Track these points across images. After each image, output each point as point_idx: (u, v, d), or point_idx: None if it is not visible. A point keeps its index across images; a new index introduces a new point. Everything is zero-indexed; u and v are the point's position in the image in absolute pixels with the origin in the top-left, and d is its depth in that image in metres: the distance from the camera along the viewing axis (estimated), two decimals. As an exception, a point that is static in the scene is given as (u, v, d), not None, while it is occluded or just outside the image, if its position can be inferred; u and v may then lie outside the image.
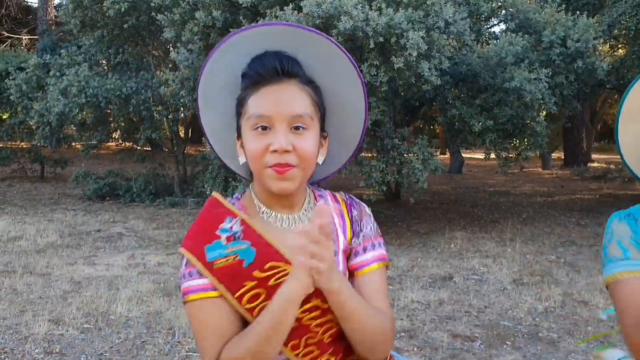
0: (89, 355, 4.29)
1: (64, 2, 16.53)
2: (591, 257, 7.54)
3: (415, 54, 6.61)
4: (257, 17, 7.71)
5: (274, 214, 1.47)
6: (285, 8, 6.86)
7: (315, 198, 1.55)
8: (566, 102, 9.51)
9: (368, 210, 1.57)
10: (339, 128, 1.53)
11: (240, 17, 7.74)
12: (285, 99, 1.36)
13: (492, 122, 8.23)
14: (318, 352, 1.41)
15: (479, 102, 8.39)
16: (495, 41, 8.36)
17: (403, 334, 4.84)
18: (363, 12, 6.60)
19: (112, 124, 11.94)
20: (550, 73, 8.02)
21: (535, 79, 7.92)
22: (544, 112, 18.81)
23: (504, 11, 9.55)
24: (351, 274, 1.49)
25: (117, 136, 13.07)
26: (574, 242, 8.47)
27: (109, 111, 11.09)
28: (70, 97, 9.83)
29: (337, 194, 1.58)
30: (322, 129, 1.48)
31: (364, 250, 1.50)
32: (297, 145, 1.35)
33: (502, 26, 10.54)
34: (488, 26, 10.75)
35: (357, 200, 1.59)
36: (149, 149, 12.81)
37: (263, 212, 1.47)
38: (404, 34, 6.62)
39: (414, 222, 9.79)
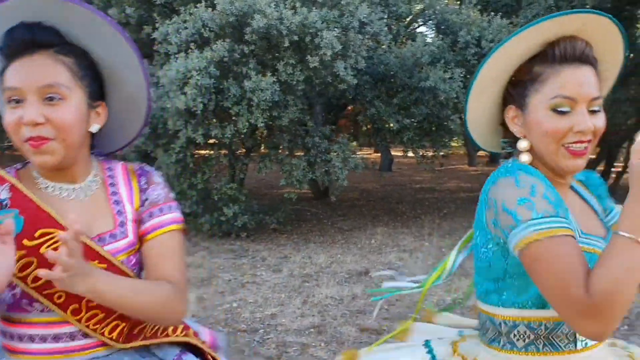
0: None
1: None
2: (504, 250, 7.78)
3: (329, 53, 6.68)
4: (172, 14, 7.62)
5: (52, 184, 1.44)
6: (198, 5, 6.81)
7: (104, 169, 1.53)
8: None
9: (158, 178, 1.55)
10: (122, 95, 1.51)
11: (155, 14, 7.63)
12: (34, 70, 1.33)
13: (409, 120, 8.40)
14: (103, 315, 1.38)
15: (397, 101, 8.56)
16: (411, 42, 8.53)
17: (312, 329, 4.89)
18: (277, 11, 6.62)
19: None
20: (465, 72, 8.23)
21: (450, 78, 8.13)
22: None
23: (422, 11, 9.74)
24: (142, 242, 1.47)
25: None
26: (491, 236, 8.72)
27: None
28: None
29: (129, 165, 1.56)
30: (96, 98, 1.45)
31: (150, 215, 1.48)
32: (50, 117, 1.32)
33: (423, 28, 10.81)
34: (412, 28, 10.97)
35: (150, 169, 1.58)
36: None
37: (40, 183, 1.44)
38: (319, 33, 6.68)
39: (339, 219, 9.87)
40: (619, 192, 12.92)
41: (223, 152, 8.31)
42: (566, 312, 1.20)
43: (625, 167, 13.50)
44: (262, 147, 8.57)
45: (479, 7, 9.97)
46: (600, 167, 13.65)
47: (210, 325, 4.98)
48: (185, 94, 6.49)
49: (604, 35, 1.39)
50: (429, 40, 8.55)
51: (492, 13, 9.45)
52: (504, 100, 1.48)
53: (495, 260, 1.39)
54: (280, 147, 7.72)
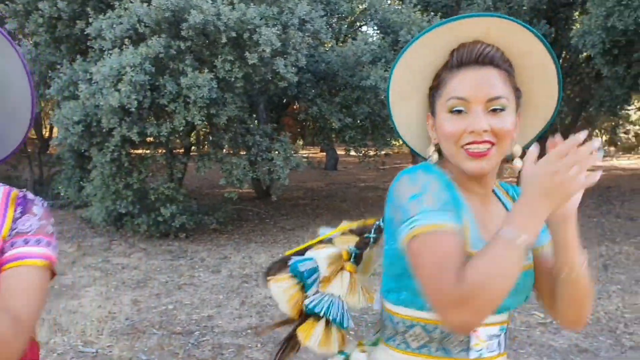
0: None
1: None
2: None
3: (268, 50, 6.59)
4: (107, 8, 7.39)
5: None
6: (133, 0, 6.62)
7: None
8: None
9: (38, 209, 1.41)
10: (6, 106, 1.44)
11: (89, 9, 7.38)
12: None
13: (351, 119, 8.39)
14: None
15: (339, 100, 8.54)
16: (353, 40, 8.53)
17: (249, 331, 4.81)
18: (214, 7, 6.49)
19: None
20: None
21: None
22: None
23: (365, 11, 9.75)
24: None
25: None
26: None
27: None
28: None
29: (13, 191, 1.43)
30: None
31: (12, 245, 1.34)
32: None
33: (366, 27, 10.81)
34: (355, 27, 10.96)
35: (32, 198, 1.44)
36: None
37: None
38: (257, 30, 6.59)
39: (282, 219, 9.80)
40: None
41: (161, 151, 8.12)
42: (436, 302, 1.18)
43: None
44: (206, 146, 8.43)
45: (419, 7, 10.05)
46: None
47: (144, 328, 4.84)
48: (119, 90, 6.29)
49: (513, 38, 1.33)
50: (370, 39, 8.54)
51: (432, 13, 9.54)
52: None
53: (396, 257, 1.35)
54: (220, 145, 7.59)
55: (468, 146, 1.29)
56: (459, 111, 1.30)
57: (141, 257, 7.10)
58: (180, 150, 8.48)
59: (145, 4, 6.71)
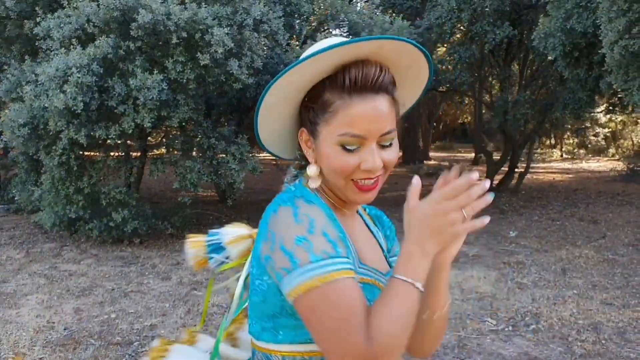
0: None
1: None
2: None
3: (220, 50, 6.43)
4: (58, 8, 7.16)
5: None
6: (77, -1, 6.42)
7: None
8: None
9: None
10: None
11: (38, 8, 7.15)
12: None
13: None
14: None
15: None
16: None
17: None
18: (164, 6, 6.31)
19: None
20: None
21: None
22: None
23: (324, 12, 9.63)
24: None
25: None
26: (392, 237, 8.71)
27: None
28: None
29: None
30: None
31: None
32: None
33: (338, 30, 10.68)
34: (324, 28, 10.84)
35: None
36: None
37: None
38: (209, 30, 6.42)
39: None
40: (521, 193, 13.30)
41: (116, 154, 7.91)
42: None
43: (527, 168, 13.93)
44: (168, 149, 8.23)
45: (380, 8, 9.97)
46: (504, 168, 14.01)
47: (81, 338, 4.65)
48: (64, 92, 6.07)
49: (401, 54, 1.26)
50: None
51: (394, 15, 9.46)
52: (300, 116, 1.35)
53: (271, 295, 1.25)
54: (176, 148, 7.40)
55: (359, 180, 1.24)
56: (353, 149, 1.22)
57: (91, 264, 6.88)
58: (137, 154, 8.27)
59: (94, 3, 6.51)
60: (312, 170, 1.30)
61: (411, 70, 1.31)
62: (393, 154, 1.25)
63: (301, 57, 1.23)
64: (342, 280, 1.11)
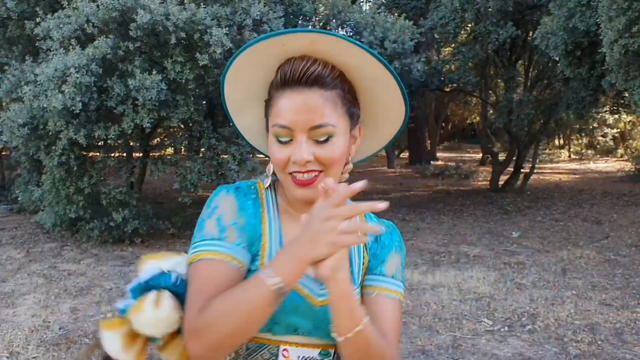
0: None
1: None
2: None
3: (219, 51, 6.43)
4: (59, 8, 7.20)
5: None
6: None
7: None
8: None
9: None
10: None
11: (39, 9, 7.19)
12: None
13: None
14: None
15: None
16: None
17: (185, 340, 4.64)
18: (163, 6, 6.33)
19: None
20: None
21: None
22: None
23: (326, 12, 9.62)
24: None
25: None
26: (393, 237, 8.69)
27: None
28: None
29: None
30: None
31: None
32: None
33: (342, 30, 10.65)
34: (329, 28, 10.82)
35: None
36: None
37: None
38: (208, 31, 6.43)
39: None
40: (526, 193, 13.24)
41: (117, 154, 7.94)
42: (184, 330, 1.18)
43: (533, 168, 13.87)
44: (175, 150, 8.27)
45: (382, 7, 9.95)
46: (510, 168, 13.95)
47: (76, 338, 4.67)
48: (62, 92, 6.10)
49: (340, 52, 1.23)
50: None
51: (397, 14, 9.44)
52: None
53: None
54: (173, 148, 7.42)
55: (295, 174, 1.24)
56: (284, 140, 1.24)
57: (90, 264, 6.90)
58: (139, 155, 8.29)
59: (93, 4, 6.53)
60: (269, 166, 1.35)
61: (363, 70, 1.27)
62: (329, 151, 1.23)
63: (230, 60, 1.30)
64: (206, 260, 1.21)
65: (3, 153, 11.29)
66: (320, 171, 1.24)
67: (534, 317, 5.22)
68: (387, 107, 1.35)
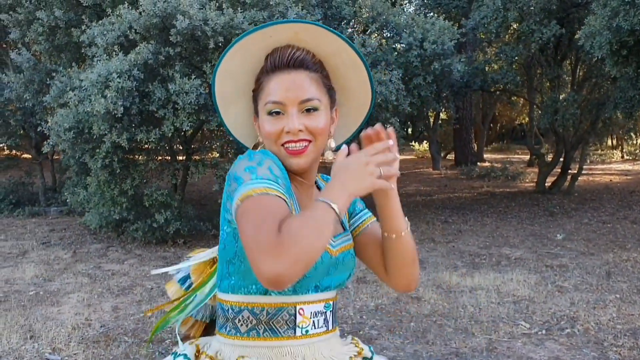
0: None
1: None
2: (444, 254, 7.69)
3: (257, 54, 6.51)
4: (102, 15, 7.43)
5: None
6: (119, 6, 6.64)
7: None
8: (425, 103, 9.69)
9: None
10: None
11: (84, 17, 7.43)
12: None
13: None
14: None
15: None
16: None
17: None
18: (202, 12, 6.46)
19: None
20: (402, 74, 8.12)
21: (390, 80, 8.01)
22: (433, 114, 19.30)
23: (366, 14, 9.62)
24: None
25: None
26: (434, 239, 8.63)
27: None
28: None
29: None
30: None
31: None
32: None
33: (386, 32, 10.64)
34: (371, 30, 10.83)
35: None
36: (15, 155, 12.19)
37: None
38: (246, 35, 6.52)
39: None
40: (573, 195, 12.94)
41: (160, 157, 8.13)
42: (254, 253, 1.21)
43: (580, 169, 13.54)
44: (222, 153, 8.44)
45: (423, 9, 9.90)
46: (557, 169, 13.66)
47: (116, 336, 4.80)
48: (105, 97, 6.29)
49: (320, 40, 1.45)
50: (370, 42, 8.40)
51: (436, 15, 9.37)
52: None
53: (229, 241, 1.45)
54: (212, 151, 7.56)
55: (287, 145, 1.42)
56: (277, 113, 1.42)
57: (133, 264, 7.09)
58: (182, 157, 8.47)
59: (136, 11, 6.72)
60: (261, 146, 1.52)
61: (339, 57, 1.48)
62: (317, 120, 1.43)
63: (222, 55, 1.48)
64: (273, 196, 1.28)
65: (54, 157, 11.68)
66: (310, 141, 1.42)
67: (573, 321, 5.11)
68: (357, 94, 1.56)
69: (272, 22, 1.43)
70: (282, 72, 1.42)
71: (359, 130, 1.59)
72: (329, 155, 1.50)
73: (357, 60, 1.48)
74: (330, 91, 1.48)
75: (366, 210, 1.66)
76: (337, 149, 1.59)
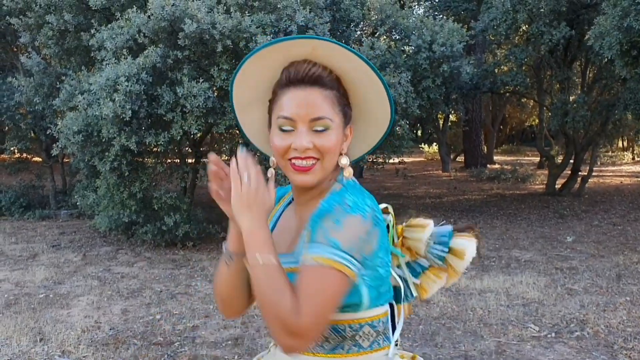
0: None
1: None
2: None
3: (265, 57, 6.52)
4: (112, 19, 7.46)
5: None
6: (128, 10, 6.66)
7: None
8: (434, 106, 9.67)
9: None
10: None
11: (94, 21, 7.47)
12: None
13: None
14: None
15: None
16: (358, 46, 8.39)
17: (230, 342, 4.73)
18: (210, 15, 6.47)
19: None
20: (411, 76, 8.11)
21: (399, 83, 8.00)
22: (442, 116, 19.24)
23: (374, 17, 9.62)
24: None
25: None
26: (443, 242, 8.59)
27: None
28: None
29: None
30: None
31: None
32: None
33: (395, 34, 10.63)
34: (380, 32, 10.82)
35: None
36: (25, 158, 12.26)
37: None
38: (253, 38, 6.54)
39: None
40: (583, 197, 12.86)
41: (168, 160, 8.15)
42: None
43: (590, 171, 13.46)
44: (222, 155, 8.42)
45: (432, 11, 9.88)
46: (568, 171, 13.59)
47: (125, 338, 4.82)
48: (113, 100, 6.32)
49: (337, 57, 1.42)
50: (379, 44, 8.39)
51: (444, 17, 9.35)
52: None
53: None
54: (222, 153, 7.56)
55: (294, 160, 1.41)
56: (287, 129, 1.41)
57: (143, 266, 7.11)
58: (192, 161, 8.49)
59: (144, 14, 6.74)
60: (272, 159, 1.51)
61: (355, 73, 1.44)
62: (325, 140, 1.40)
63: (239, 65, 1.48)
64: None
65: (65, 160, 11.75)
66: (317, 159, 1.41)
67: (583, 324, 5.08)
68: (375, 110, 1.52)
69: (289, 37, 1.48)
70: (297, 88, 1.41)
71: (377, 146, 1.62)
72: (344, 173, 1.48)
73: (374, 77, 1.44)
74: (345, 109, 1.46)
75: (313, 243, 1.36)
76: (355, 163, 1.64)
